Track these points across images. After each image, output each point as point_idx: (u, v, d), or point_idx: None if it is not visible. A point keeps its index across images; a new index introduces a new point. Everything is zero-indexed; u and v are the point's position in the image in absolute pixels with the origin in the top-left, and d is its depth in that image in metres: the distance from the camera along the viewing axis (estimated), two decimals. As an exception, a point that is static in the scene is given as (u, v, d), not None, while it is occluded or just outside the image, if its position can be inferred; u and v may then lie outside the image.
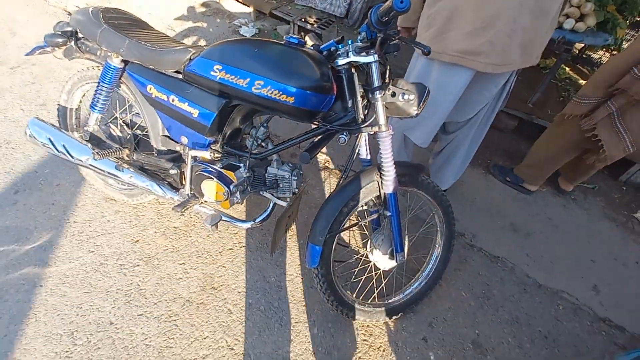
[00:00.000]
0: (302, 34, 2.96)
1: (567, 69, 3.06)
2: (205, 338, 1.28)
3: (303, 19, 2.94)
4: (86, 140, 1.41)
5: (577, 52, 3.20)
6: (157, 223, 1.61)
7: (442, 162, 1.85)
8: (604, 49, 3.08)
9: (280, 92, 1.00)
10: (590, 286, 1.71)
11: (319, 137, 1.18)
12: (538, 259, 1.78)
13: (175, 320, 1.31)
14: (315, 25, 2.90)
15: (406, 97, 1.08)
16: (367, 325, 1.39)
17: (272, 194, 1.31)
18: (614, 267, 1.82)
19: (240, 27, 3.18)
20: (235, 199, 1.26)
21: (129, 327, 1.27)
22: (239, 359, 1.24)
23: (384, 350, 1.34)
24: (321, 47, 1.09)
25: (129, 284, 1.39)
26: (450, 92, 1.38)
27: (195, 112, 1.14)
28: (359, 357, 1.30)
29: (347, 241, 1.67)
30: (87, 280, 1.37)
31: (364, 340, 1.36)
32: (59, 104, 1.51)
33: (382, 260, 1.27)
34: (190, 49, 1.13)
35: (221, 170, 1.22)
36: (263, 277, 1.49)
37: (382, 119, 1.08)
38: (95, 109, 1.35)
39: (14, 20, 2.72)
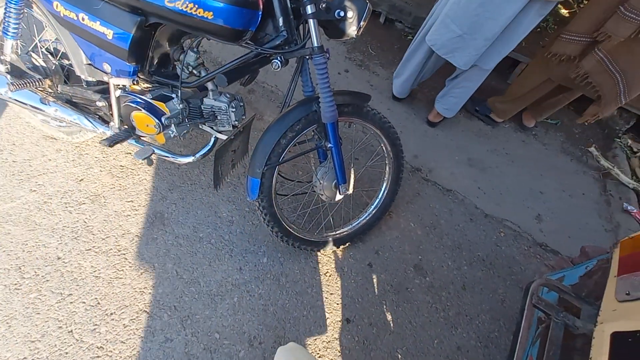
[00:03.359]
0: None
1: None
2: (154, 269, 1.32)
3: None
4: (6, 72, 1.28)
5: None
6: (102, 162, 1.55)
7: (453, 85, 1.87)
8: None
9: (196, 6, 0.89)
10: (534, 215, 1.80)
11: (252, 61, 1.09)
12: (489, 192, 1.84)
13: (124, 254, 1.34)
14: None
15: (342, 14, 0.99)
16: (315, 254, 1.45)
17: (212, 127, 1.25)
18: (560, 197, 1.91)
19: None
20: (170, 132, 1.20)
21: (77, 261, 1.29)
22: (189, 286, 1.30)
23: (330, 276, 1.41)
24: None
25: (75, 222, 1.38)
26: (502, 14, 1.42)
27: (109, 33, 1.02)
28: (306, 282, 1.38)
29: (296, 174, 1.67)
30: (31, 218, 1.35)
31: (312, 267, 1.42)
32: (-29, 31, 1.33)
33: (327, 193, 1.28)
34: (94, -45, 0.97)
35: (151, 101, 1.15)
36: (214, 212, 1.50)
37: (316, 41, 1.00)
38: (7, 35, 1.20)
39: None
